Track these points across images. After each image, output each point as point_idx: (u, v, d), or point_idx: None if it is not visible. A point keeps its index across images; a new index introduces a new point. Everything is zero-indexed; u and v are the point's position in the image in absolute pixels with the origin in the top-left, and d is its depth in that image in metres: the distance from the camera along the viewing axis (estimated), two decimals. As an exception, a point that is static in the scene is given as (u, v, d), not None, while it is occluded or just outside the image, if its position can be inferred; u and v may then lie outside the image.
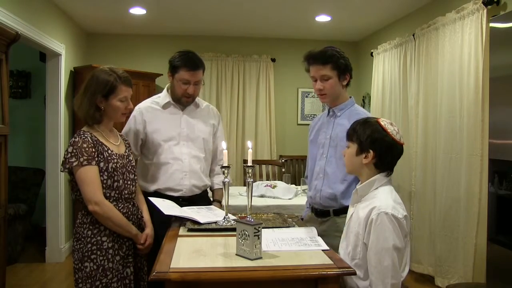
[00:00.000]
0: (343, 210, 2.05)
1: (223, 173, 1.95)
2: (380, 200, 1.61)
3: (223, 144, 2.05)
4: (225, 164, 1.95)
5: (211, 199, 2.56)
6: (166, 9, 4.41)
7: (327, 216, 2.13)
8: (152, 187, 2.35)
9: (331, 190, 2.09)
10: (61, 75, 4.31)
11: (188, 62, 2.30)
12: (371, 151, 1.66)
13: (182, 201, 2.32)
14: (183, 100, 2.38)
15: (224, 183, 1.96)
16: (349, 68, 2.14)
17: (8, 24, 3.09)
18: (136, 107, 2.41)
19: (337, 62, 2.09)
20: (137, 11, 4.41)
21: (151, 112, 2.39)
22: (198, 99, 2.48)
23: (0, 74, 2.70)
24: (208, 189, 2.56)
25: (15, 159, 4.68)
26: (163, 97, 2.43)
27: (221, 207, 2.44)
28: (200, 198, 2.43)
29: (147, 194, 2.33)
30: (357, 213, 1.68)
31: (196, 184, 2.38)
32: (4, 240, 2.74)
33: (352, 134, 1.74)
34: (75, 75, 4.69)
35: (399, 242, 1.55)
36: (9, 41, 2.71)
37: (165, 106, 2.41)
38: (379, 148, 1.66)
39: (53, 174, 4.25)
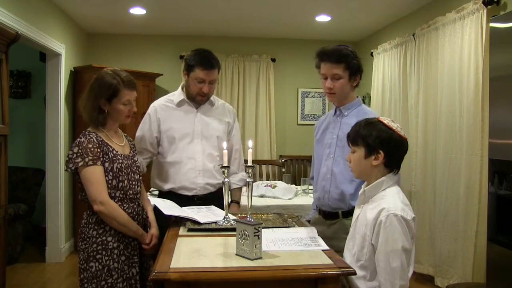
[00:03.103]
0: (352, 212, 2.01)
1: (223, 173, 1.95)
2: (388, 201, 1.60)
3: (224, 144, 2.05)
4: (225, 164, 1.95)
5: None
6: (166, 9, 4.41)
7: (335, 218, 2.08)
8: (167, 186, 2.37)
9: (339, 190, 2.05)
10: (61, 75, 4.32)
11: (203, 61, 2.30)
12: (380, 151, 1.64)
13: (197, 200, 2.33)
14: (197, 99, 2.38)
15: (224, 183, 1.95)
16: (360, 70, 2.11)
17: (8, 24, 3.09)
18: (151, 105, 2.44)
19: (351, 62, 2.05)
20: (137, 11, 4.41)
21: (165, 110, 2.40)
22: (214, 97, 2.48)
23: (0, 74, 2.70)
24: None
25: (15, 159, 4.68)
26: (178, 95, 2.43)
27: (238, 208, 2.43)
28: (215, 197, 2.39)
29: (162, 193, 2.36)
30: (364, 214, 1.67)
31: (210, 183, 2.38)
32: (4, 240, 2.74)
33: (356, 137, 1.70)
34: (75, 75, 4.69)
35: (408, 244, 1.55)
36: (9, 41, 2.72)
37: (179, 104, 2.41)
38: (388, 148, 1.64)
39: (53, 174, 4.25)
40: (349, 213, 2.03)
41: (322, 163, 2.17)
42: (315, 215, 2.25)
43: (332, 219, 2.09)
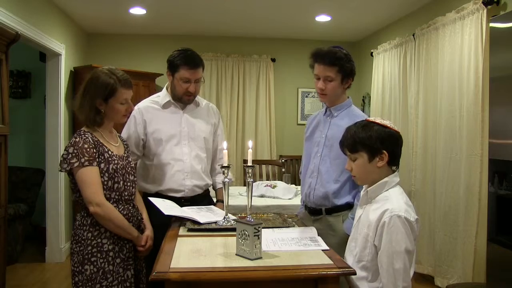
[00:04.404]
0: (336, 209, 2.10)
1: (223, 173, 1.95)
2: (392, 202, 1.59)
3: (225, 144, 2.05)
4: (225, 164, 1.95)
5: (214, 198, 2.55)
6: (166, 9, 4.41)
7: (319, 214, 2.15)
8: (154, 189, 2.34)
9: (324, 189, 2.11)
10: (61, 75, 4.32)
11: (188, 60, 2.28)
12: (384, 151, 1.63)
13: (184, 201, 2.31)
14: (184, 99, 2.35)
15: (224, 183, 1.96)
16: (353, 73, 2.14)
17: (8, 24, 3.09)
18: (136, 107, 2.38)
19: (344, 66, 2.08)
20: (137, 11, 4.41)
21: (151, 112, 2.37)
22: (198, 98, 2.46)
23: (0, 74, 2.70)
24: (211, 188, 2.55)
25: (15, 159, 4.68)
26: (163, 96, 2.40)
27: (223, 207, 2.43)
28: (202, 198, 2.42)
29: (148, 195, 2.31)
30: (366, 214, 1.66)
31: (197, 184, 2.37)
32: (4, 240, 2.75)
33: (355, 144, 1.67)
34: (75, 75, 4.69)
35: (411, 246, 1.54)
36: (9, 41, 2.72)
37: (165, 106, 2.38)
38: (390, 145, 1.64)
39: (53, 174, 4.25)
40: (332, 210, 2.12)
41: (310, 161, 2.22)
42: (302, 210, 2.32)
43: (316, 215, 2.16)
